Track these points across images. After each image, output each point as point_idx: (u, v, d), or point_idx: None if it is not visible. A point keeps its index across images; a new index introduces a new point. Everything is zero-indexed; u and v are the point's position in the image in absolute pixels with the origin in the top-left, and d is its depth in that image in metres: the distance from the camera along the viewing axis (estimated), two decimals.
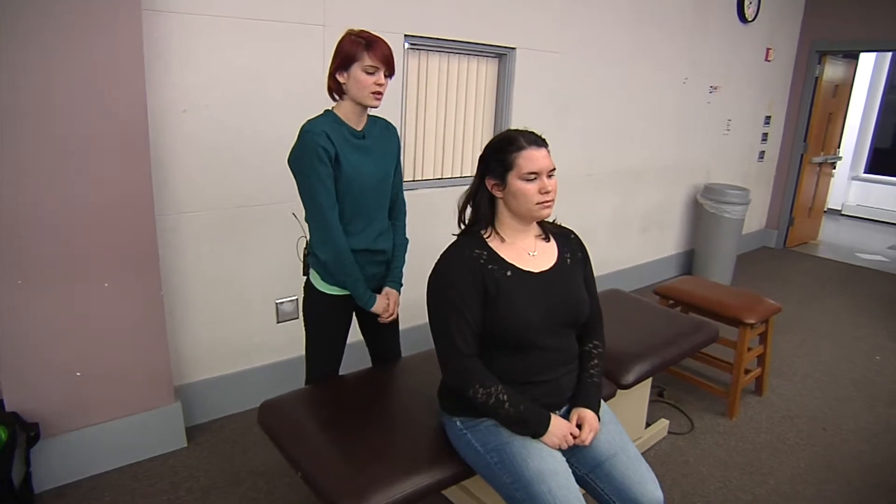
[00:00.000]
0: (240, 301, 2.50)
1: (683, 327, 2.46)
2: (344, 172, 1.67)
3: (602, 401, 1.60)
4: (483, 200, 1.49)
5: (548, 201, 1.43)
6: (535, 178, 1.41)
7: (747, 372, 2.83)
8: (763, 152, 5.65)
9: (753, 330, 2.73)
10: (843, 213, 8.11)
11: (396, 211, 1.92)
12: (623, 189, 4.20)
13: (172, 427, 2.29)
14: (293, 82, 2.42)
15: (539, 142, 1.44)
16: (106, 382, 2.09)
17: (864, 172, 8.15)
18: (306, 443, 1.58)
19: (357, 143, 1.71)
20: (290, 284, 2.62)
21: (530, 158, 1.40)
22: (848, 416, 2.82)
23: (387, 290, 1.86)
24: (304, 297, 1.89)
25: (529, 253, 1.50)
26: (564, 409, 1.54)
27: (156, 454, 2.25)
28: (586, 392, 1.54)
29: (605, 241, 4.18)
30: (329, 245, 1.71)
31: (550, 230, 1.57)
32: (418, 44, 2.85)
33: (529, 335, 1.42)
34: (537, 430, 1.41)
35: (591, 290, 1.62)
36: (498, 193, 1.46)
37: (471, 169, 3.29)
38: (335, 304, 1.83)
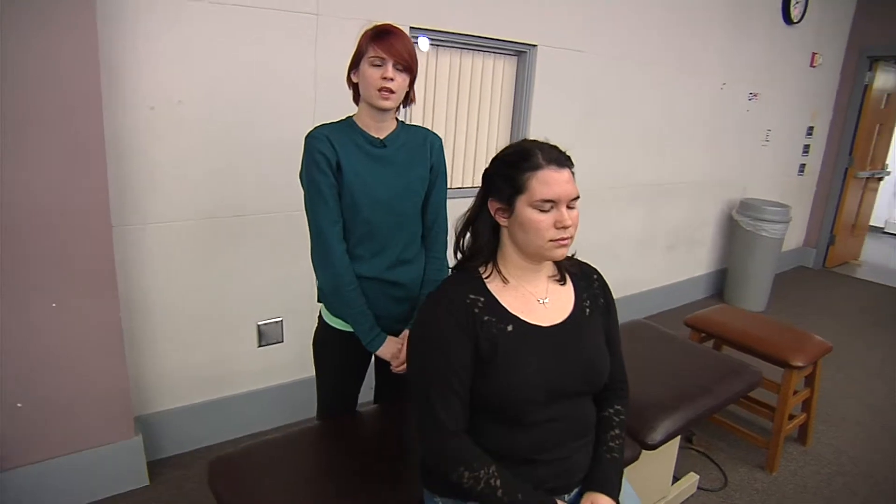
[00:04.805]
0: (216, 323, 2.23)
1: (720, 370, 2.12)
2: (347, 184, 1.41)
3: (624, 479, 1.29)
4: (484, 228, 1.18)
5: (564, 239, 1.11)
6: (552, 208, 1.10)
7: (791, 418, 2.48)
8: (804, 165, 5.23)
9: (800, 372, 2.37)
10: (885, 230, 7.60)
11: (432, 239, 1.61)
12: (650, 203, 3.85)
13: (131, 463, 2.02)
14: (281, 77, 2.14)
15: (562, 161, 1.12)
16: (53, 415, 1.83)
17: None
18: None
19: (372, 152, 1.45)
20: (273, 305, 2.35)
21: (547, 182, 1.09)
22: None
23: (406, 333, 1.54)
24: (316, 327, 1.64)
25: (539, 300, 1.19)
26: (575, 491, 1.22)
27: (112, 493, 1.99)
28: (603, 472, 1.22)
29: (628, 260, 3.83)
30: (326, 268, 1.45)
31: (567, 269, 1.26)
32: (427, 38, 2.56)
33: (532, 407, 1.12)
34: None
35: (615, 344, 1.30)
36: (502, 221, 1.16)
37: None
38: (343, 340, 1.54)
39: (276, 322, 2.38)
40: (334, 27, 2.21)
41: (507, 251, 1.18)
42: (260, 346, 2.36)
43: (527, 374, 1.11)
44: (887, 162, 5.99)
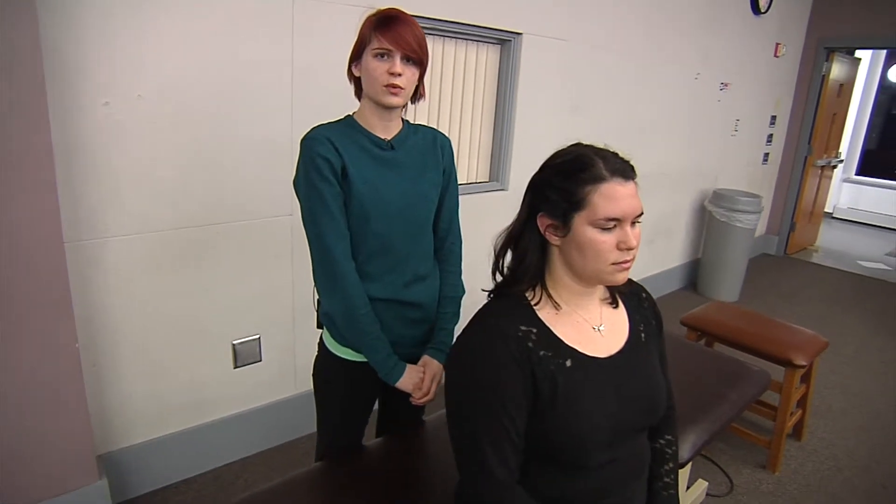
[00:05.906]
0: (187, 345, 1.99)
1: (728, 373, 2.03)
2: (355, 191, 1.22)
3: None
4: (532, 246, 1.01)
5: (627, 262, 0.96)
6: (615, 227, 0.94)
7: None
8: (767, 154, 5.31)
9: (801, 371, 2.34)
10: (834, 216, 7.89)
11: (446, 251, 1.44)
12: None
13: None
14: (254, 66, 1.91)
15: (627, 172, 0.96)
16: (0, 465, 1.57)
17: (856, 174, 7.94)
18: None
19: (379, 155, 1.27)
20: (249, 321, 2.13)
21: (612, 197, 0.93)
22: None
23: (425, 359, 1.37)
24: (316, 356, 1.44)
25: (594, 328, 1.04)
26: None
27: None
28: None
29: None
30: (335, 291, 1.25)
31: (618, 289, 1.11)
32: None
33: (595, 449, 0.97)
34: None
35: (665, 369, 1.17)
36: (554, 240, 0.99)
37: (466, 175, 2.82)
38: (350, 371, 1.35)
39: (254, 339, 2.15)
40: (312, 10, 1.99)
41: (558, 273, 1.02)
42: (236, 366, 2.13)
43: (591, 413, 0.96)
44: (840, 150, 6.18)
